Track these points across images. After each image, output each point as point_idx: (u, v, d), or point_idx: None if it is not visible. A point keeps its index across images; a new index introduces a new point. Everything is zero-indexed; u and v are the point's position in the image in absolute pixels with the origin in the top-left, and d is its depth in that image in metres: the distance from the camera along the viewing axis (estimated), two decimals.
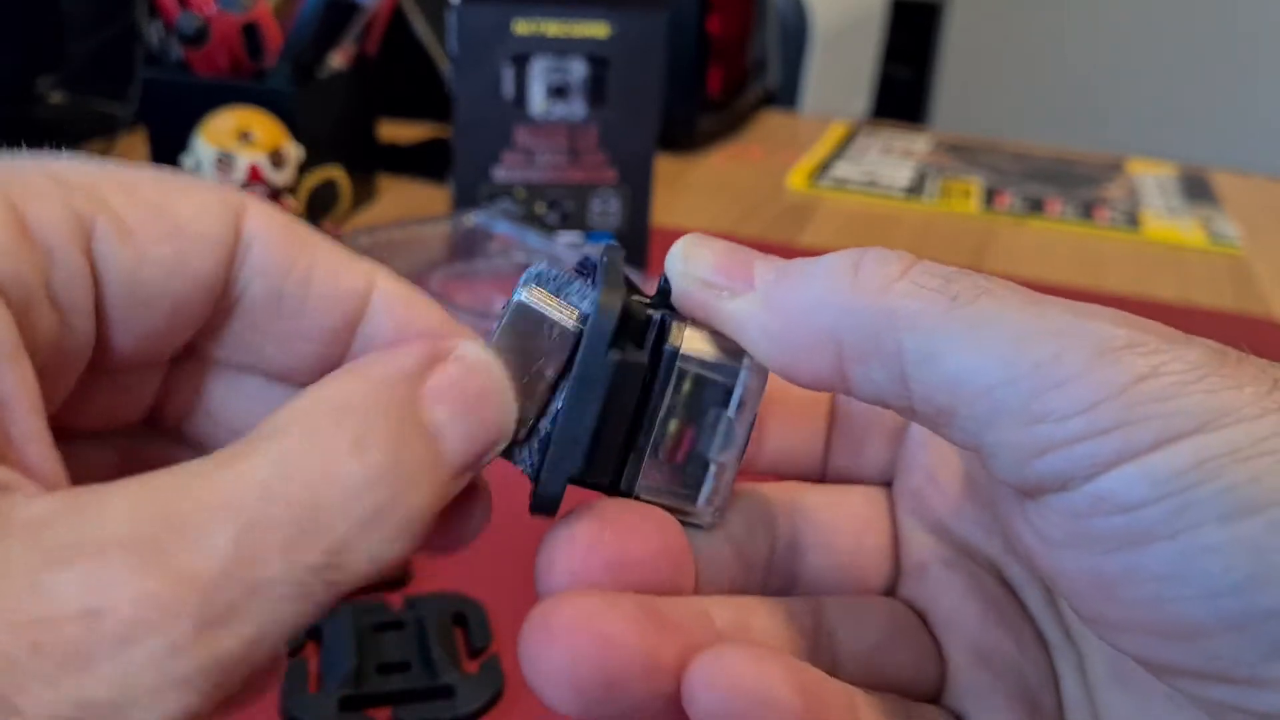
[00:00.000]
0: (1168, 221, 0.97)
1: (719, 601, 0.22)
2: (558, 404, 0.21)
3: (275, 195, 0.69)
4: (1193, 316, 0.77)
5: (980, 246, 0.88)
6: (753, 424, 0.22)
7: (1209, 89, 2.61)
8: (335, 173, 0.77)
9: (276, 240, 0.20)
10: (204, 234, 0.19)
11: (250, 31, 0.74)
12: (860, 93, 1.98)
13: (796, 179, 1.02)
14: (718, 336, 0.21)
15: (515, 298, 0.21)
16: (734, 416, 0.21)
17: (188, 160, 0.68)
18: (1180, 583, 0.17)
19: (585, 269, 0.22)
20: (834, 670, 0.22)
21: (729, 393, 0.21)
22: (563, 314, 0.21)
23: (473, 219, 0.71)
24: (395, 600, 0.42)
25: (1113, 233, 0.94)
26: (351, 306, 0.21)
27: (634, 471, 0.22)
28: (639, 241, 0.76)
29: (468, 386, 0.19)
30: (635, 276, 0.62)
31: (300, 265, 0.20)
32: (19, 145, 0.19)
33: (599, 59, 0.71)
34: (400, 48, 0.93)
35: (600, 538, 0.20)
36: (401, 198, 0.89)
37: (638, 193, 0.74)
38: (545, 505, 0.21)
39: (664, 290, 0.22)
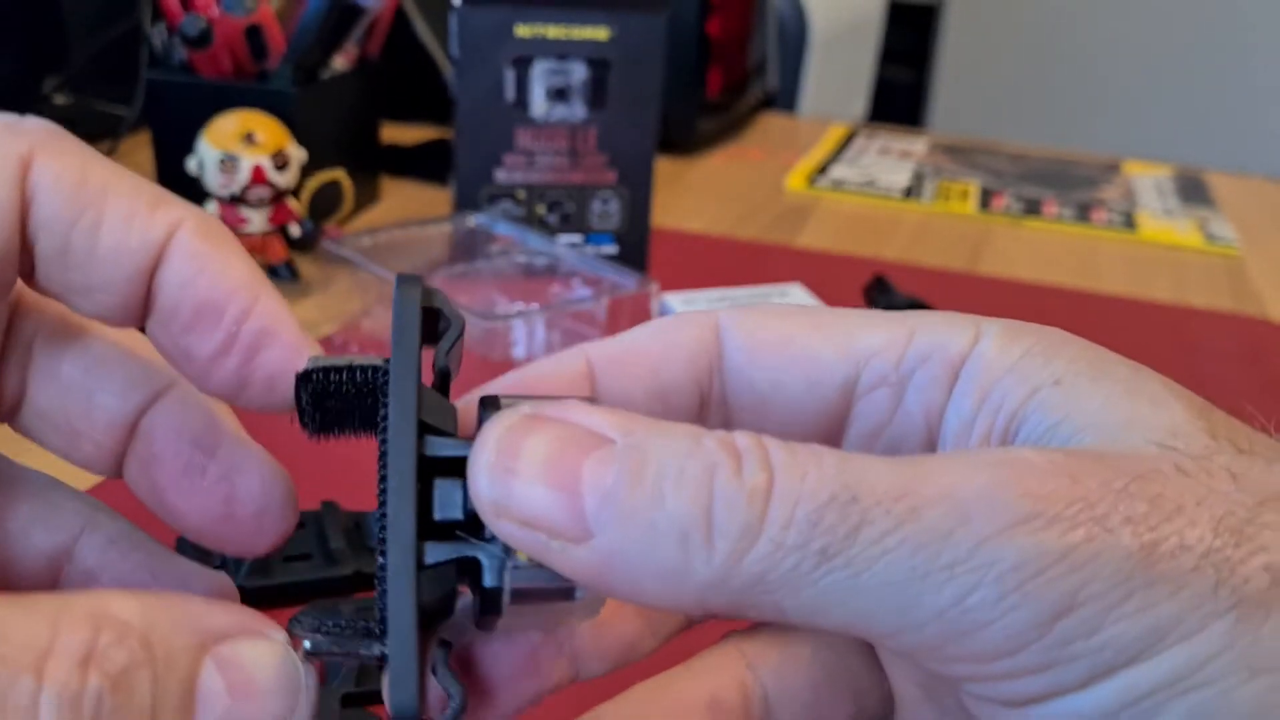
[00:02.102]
0: (1164, 222, 0.98)
1: (634, 703, 0.22)
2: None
3: (278, 197, 0.69)
4: (1189, 318, 0.78)
5: (977, 247, 0.89)
6: None
7: (1205, 90, 2.62)
8: (338, 174, 0.78)
9: (64, 190, 0.18)
10: None
11: (253, 34, 0.74)
12: (858, 95, 1.99)
13: (795, 180, 1.03)
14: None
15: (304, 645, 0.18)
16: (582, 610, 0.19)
17: (191, 162, 0.68)
18: None
19: (362, 381, 0.20)
20: None
21: (572, 603, 0.18)
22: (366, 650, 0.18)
23: (474, 220, 0.71)
24: None
25: (1109, 234, 0.94)
26: (143, 258, 0.19)
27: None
28: (639, 242, 0.76)
29: (254, 674, 0.17)
30: (624, 274, 0.63)
31: (88, 216, 0.19)
32: None
33: (599, 61, 0.71)
34: (402, 50, 0.93)
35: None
36: (403, 199, 0.89)
37: (638, 194, 0.75)
38: None
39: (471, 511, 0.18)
